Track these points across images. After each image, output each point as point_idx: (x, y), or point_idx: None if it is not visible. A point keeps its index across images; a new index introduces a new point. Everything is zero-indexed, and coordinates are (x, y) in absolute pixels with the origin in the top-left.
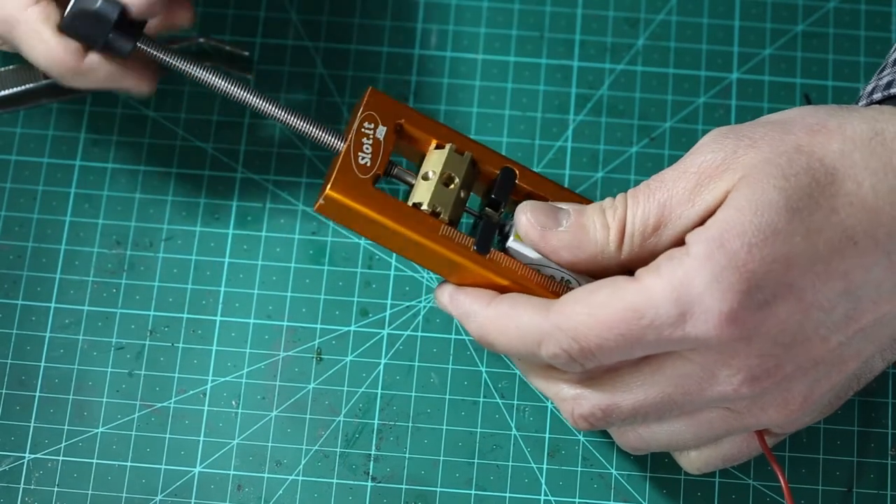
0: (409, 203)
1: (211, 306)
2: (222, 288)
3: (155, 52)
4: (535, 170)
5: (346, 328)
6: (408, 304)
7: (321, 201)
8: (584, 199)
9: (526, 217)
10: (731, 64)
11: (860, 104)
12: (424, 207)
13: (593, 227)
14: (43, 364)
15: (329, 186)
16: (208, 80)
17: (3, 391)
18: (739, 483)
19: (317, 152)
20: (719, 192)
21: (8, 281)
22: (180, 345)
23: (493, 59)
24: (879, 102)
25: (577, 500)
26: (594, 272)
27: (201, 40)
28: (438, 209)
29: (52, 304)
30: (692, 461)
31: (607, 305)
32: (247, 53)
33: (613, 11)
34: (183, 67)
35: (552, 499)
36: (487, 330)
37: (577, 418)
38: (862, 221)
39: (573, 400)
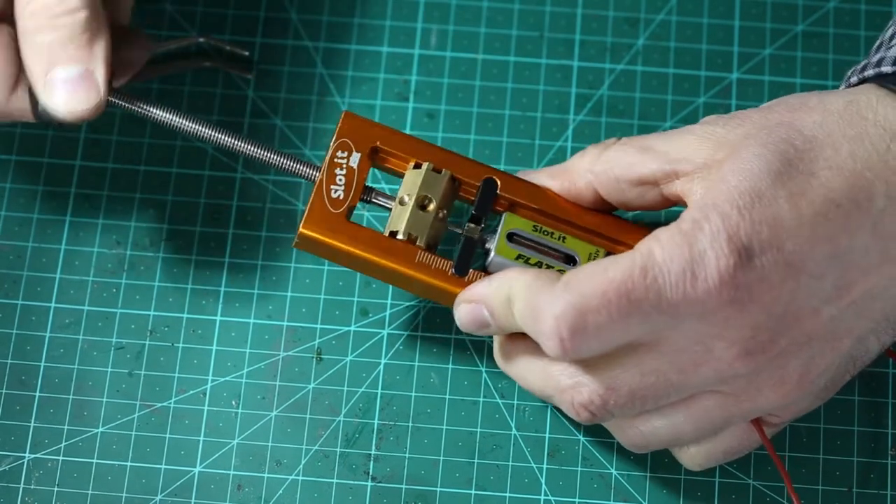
0: (386, 231)
1: (211, 306)
2: (222, 288)
3: (128, 105)
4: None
5: (346, 328)
6: (408, 303)
7: (296, 240)
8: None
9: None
10: (731, 64)
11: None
12: (400, 236)
13: (574, 157)
14: (43, 364)
15: (301, 224)
16: (183, 127)
17: (3, 391)
18: (739, 483)
19: (316, 151)
20: (698, 158)
21: (8, 281)
22: (180, 345)
23: (493, 59)
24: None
25: (577, 500)
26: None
27: (201, 40)
28: (414, 235)
29: (52, 304)
30: (693, 457)
31: (610, 267)
32: (247, 53)
33: (613, 11)
34: (158, 116)
35: (552, 499)
36: (515, 290)
37: (578, 407)
38: (843, 185)
39: (572, 389)
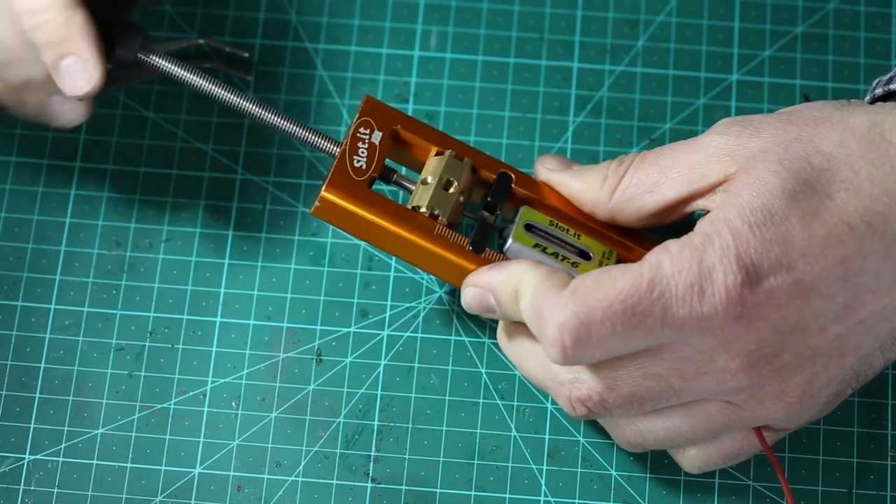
0: (409, 206)
1: (211, 307)
2: (222, 289)
3: (157, 63)
4: None
5: (346, 329)
6: (407, 305)
7: (317, 203)
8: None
9: (542, 164)
10: (730, 65)
11: (866, 100)
12: (423, 210)
13: (594, 176)
14: (43, 365)
15: (324, 188)
16: (207, 89)
17: (3, 392)
18: (739, 483)
19: (317, 154)
20: (715, 175)
21: (8, 282)
22: (180, 346)
23: (493, 61)
24: (882, 98)
25: (576, 500)
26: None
27: (201, 41)
28: (436, 212)
29: (52, 306)
30: (692, 460)
31: (619, 278)
32: (246, 54)
33: (613, 13)
34: (183, 76)
35: (552, 500)
36: (523, 286)
37: (575, 402)
38: (858, 208)
39: (570, 383)
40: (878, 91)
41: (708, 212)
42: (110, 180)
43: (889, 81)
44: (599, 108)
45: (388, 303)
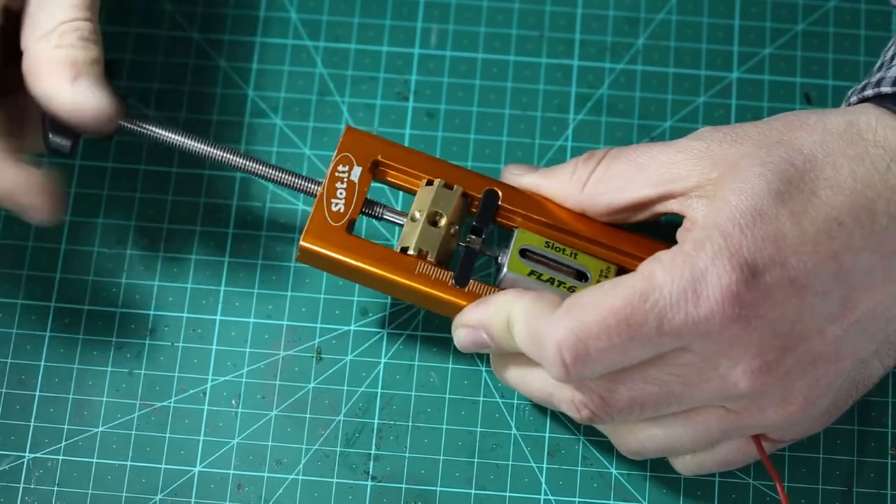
0: (398, 247)
1: (211, 305)
2: (222, 287)
3: (137, 128)
4: None
5: (346, 327)
6: (407, 303)
7: (297, 253)
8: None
9: (509, 172)
10: (731, 63)
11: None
12: (411, 251)
13: (563, 171)
14: (43, 363)
15: (302, 237)
16: (191, 147)
17: (3, 390)
18: (739, 483)
19: (317, 151)
20: (694, 178)
21: (8, 280)
22: (180, 344)
23: (493, 59)
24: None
25: (577, 499)
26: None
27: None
28: (425, 251)
29: (53, 304)
30: (686, 464)
31: (611, 292)
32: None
33: (613, 11)
34: (166, 138)
35: (552, 498)
36: (514, 314)
37: (578, 404)
38: (844, 204)
39: (573, 388)
40: (853, 100)
41: (683, 219)
42: (110, 178)
43: (863, 89)
44: (600, 105)
45: (388, 301)
